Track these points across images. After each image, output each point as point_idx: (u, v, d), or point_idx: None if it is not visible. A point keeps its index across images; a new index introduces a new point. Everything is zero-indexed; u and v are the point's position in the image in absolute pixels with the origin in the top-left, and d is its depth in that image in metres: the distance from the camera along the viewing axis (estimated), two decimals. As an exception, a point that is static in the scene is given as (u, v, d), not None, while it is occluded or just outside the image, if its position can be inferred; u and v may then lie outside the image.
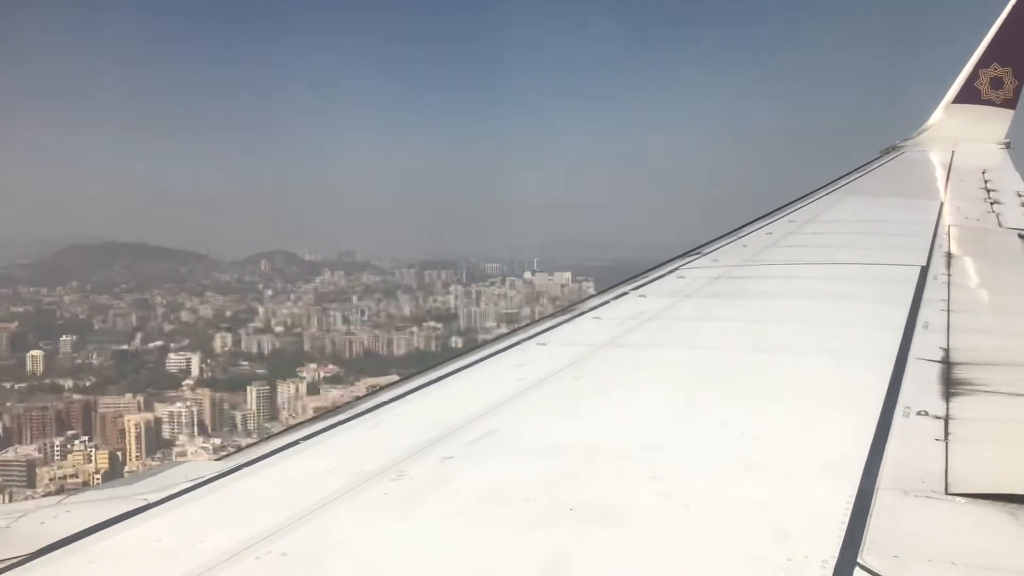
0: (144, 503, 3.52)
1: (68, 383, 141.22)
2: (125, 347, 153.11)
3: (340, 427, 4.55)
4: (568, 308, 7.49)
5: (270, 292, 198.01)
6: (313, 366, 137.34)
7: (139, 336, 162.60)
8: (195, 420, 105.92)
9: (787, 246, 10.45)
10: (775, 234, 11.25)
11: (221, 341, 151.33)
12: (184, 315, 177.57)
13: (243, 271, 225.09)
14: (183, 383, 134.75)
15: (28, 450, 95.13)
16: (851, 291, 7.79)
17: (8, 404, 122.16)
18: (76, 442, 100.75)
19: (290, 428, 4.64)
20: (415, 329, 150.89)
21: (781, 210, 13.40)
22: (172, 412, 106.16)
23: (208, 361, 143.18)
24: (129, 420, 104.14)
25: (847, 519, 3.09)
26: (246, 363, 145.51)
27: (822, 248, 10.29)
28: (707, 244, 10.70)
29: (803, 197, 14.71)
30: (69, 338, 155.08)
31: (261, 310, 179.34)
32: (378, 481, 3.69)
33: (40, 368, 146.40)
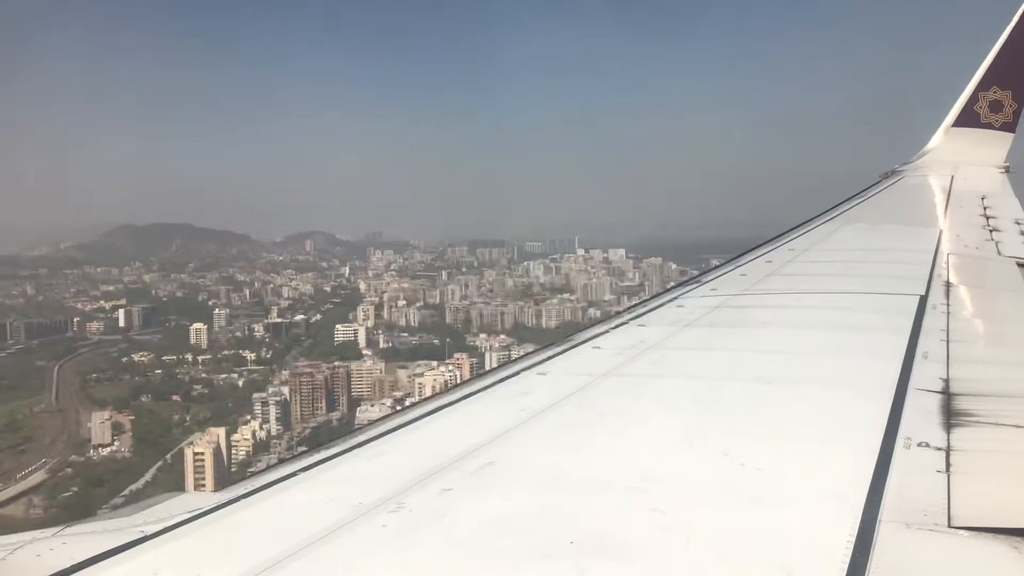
0: (141, 535, 3.41)
1: (250, 355, 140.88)
2: (280, 320, 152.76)
3: (339, 458, 4.38)
4: (568, 338, 7.21)
5: (346, 269, 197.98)
6: (484, 336, 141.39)
7: (275, 310, 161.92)
8: (442, 385, 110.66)
9: (786, 275, 10.04)
10: (775, 262, 10.81)
11: (364, 313, 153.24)
12: (285, 291, 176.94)
13: (290, 251, 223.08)
14: (363, 352, 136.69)
15: (373, 413, 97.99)
16: (850, 321, 7.53)
17: (283, 373, 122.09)
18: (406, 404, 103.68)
19: (288, 459, 4.54)
20: (554, 301, 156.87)
21: (781, 238, 12.97)
22: (438, 379, 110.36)
23: (378, 332, 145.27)
24: (422, 385, 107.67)
25: (850, 552, 3.00)
26: (405, 334, 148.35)
27: (821, 277, 9.92)
28: (706, 272, 10.50)
29: (803, 224, 14.24)
30: (223, 312, 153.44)
31: (363, 285, 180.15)
32: (377, 513, 3.54)
33: (204, 341, 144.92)
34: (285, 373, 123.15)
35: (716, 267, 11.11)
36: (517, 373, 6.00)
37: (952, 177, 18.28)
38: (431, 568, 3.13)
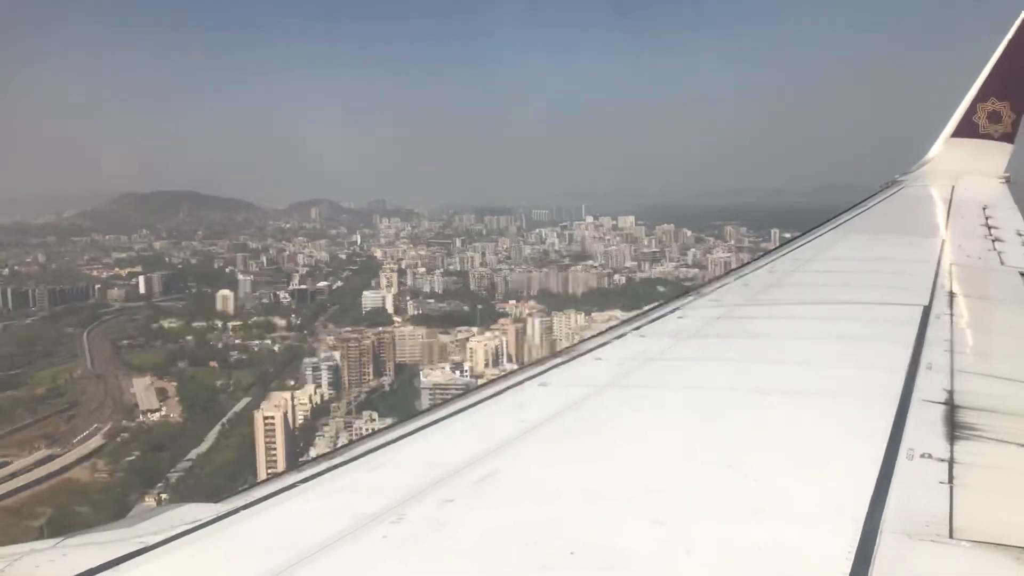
0: (141, 546, 3.36)
1: (280, 321, 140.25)
2: (304, 287, 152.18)
3: (339, 469, 4.34)
4: (568, 349, 7.13)
5: (357, 237, 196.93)
6: (513, 303, 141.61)
7: (296, 277, 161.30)
8: (504, 350, 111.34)
9: (788, 285, 10.00)
10: (776, 273, 10.80)
11: (387, 280, 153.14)
12: (300, 258, 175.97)
13: (297, 218, 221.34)
14: (393, 319, 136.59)
15: (436, 377, 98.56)
16: (853, 331, 7.43)
17: (329, 338, 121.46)
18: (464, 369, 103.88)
19: (289, 471, 4.48)
20: (578, 268, 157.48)
21: (783, 248, 12.96)
22: (489, 344, 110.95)
23: (407, 299, 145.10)
24: (473, 350, 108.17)
25: (851, 563, 2.97)
26: (432, 300, 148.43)
27: (823, 287, 9.82)
28: (708, 283, 10.43)
29: (805, 234, 14.23)
30: (247, 279, 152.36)
31: (379, 253, 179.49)
32: (377, 524, 3.51)
33: (230, 307, 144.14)
34: (331, 338, 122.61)
35: (718, 277, 11.15)
36: (518, 383, 5.92)
37: (953, 187, 18.12)
38: None
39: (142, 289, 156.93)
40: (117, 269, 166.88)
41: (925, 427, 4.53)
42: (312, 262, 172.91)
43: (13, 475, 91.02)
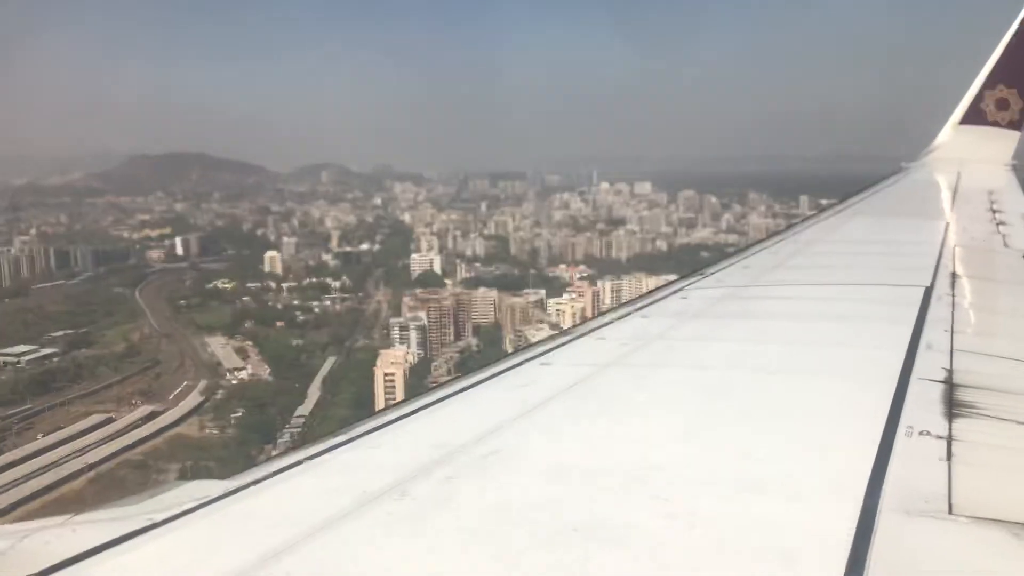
0: (150, 522, 3.33)
1: (334, 283, 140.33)
2: (349, 249, 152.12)
3: (343, 447, 4.33)
4: (571, 329, 7.08)
5: (379, 201, 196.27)
6: (563, 266, 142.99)
7: (335, 237, 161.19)
8: (579, 312, 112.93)
9: (792, 267, 9.76)
10: (780, 255, 10.55)
11: (427, 243, 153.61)
12: (328, 222, 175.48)
13: (307, 182, 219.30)
14: (445, 281, 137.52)
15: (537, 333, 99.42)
16: (854, 311, 7.34)
17: (409, 301, 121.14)
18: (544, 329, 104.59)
19: (294, 449, 4.45)
20: (620, 232, 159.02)
21: (787, 230, 12.88)
22: (575, 307, 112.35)
23: (457, 261, 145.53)
24: (562, 311, 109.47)
25: (851, 539, 2.91)
26: (478, 264, 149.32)
27: (826, 268, 9.65)
28: (711, 265, 10.18)
29: (809, 217, 14.11)
30: (291, 240, 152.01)
31: (407, 217, 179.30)
32: (381, 501, 3.48)
33: (278, 269, 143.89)
34: (410, 299, 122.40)
35: (721, 259, 10.94)
36: (520, 364, 5.84)
37: (959, 173, 17.79)
38: (436, 554, 3.07)
39: (179, 250, 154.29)
40: (147, 231, 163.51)
41: (924, 405, 4.47)
42: (341, 225, 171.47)
43: (123, 431, 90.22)
